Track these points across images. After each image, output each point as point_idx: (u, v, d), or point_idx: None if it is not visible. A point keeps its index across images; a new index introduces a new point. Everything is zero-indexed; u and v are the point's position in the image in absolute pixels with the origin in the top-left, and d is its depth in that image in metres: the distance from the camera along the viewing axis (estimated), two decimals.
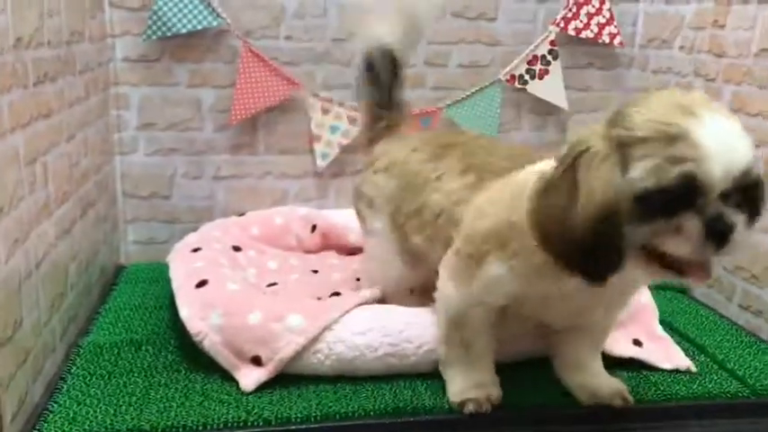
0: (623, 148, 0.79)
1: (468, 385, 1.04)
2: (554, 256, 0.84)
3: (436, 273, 1.08)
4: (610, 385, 1.08)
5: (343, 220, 1.67)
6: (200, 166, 1.72)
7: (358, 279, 1.44)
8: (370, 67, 1.30)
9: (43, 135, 1.15)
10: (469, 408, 1.02)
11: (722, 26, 1.48)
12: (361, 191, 1.32)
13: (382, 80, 1.31)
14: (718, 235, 0.77)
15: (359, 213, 1.35)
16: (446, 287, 1.05)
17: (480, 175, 1.07)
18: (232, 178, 1.74)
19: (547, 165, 0.89)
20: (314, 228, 1.64)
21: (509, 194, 0.96)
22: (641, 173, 0.77)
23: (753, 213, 0.82)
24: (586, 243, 0.80)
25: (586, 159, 0.81)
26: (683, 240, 0.78)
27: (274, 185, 1.76)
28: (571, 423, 1.06)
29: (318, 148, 1.72)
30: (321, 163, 1.73)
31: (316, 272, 1.52)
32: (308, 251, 1.64)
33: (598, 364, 1.10)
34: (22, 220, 1.04)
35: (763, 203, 0.83)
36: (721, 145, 0.76)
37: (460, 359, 1.05)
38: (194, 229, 1.55)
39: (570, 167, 0.82)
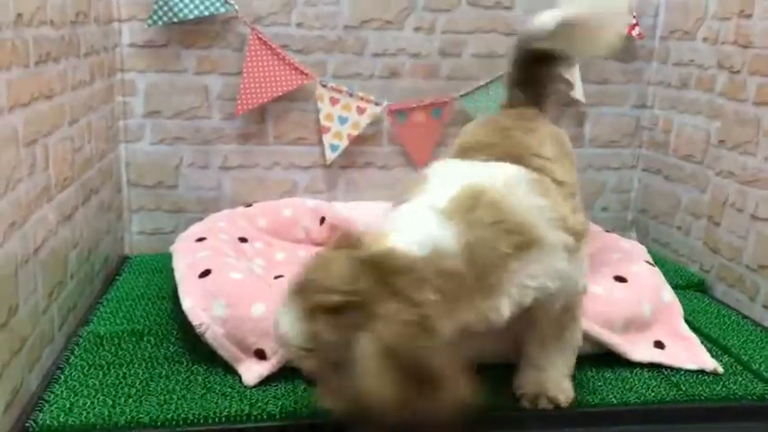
0: None
1: None
2: None
3: None
4: (540, 384, 1.02)
5: (352, 212, 1.62)
6: (207, 155, 1.68)
7: None
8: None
9: (44, 116, 1.11)
10: None
11: (749, 16, 1.43)
12: None
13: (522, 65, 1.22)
14: None
15: None
16: None
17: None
18: (239, 168, 1.70)
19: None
20: (322, 220, 1.60)
21: None
22: None
23: None
24: None
25: None
26: None
27: (283, 177, 1.72)
28: (591, 423, 1.01)
29: (327, 139, 1.68)
30: (330, 155, 1.69)
31: None
32: (317, 244, 1.59)
33: (553, 368, 1.02)
34: (20, 203, 1.00)
35: None
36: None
37: None
38: (200, 220, 1.51)
39: None
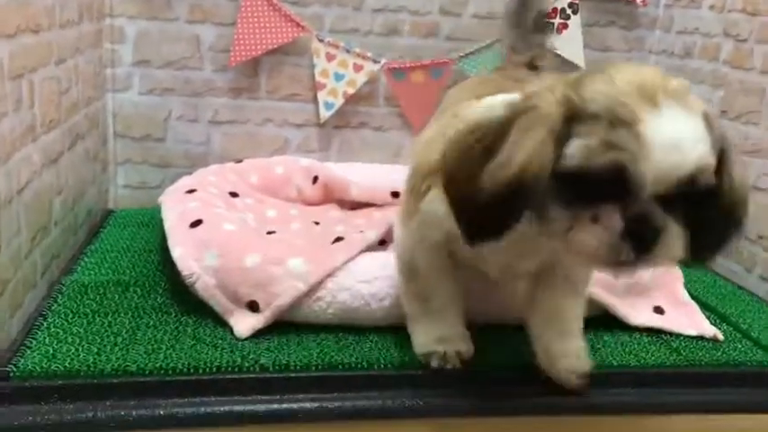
0: (570, 119, 0.70)
1: (431, 338, 0.95)
2: (450, 201, 0.77)
3: None
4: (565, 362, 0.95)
5: (346, 173, 1.58)
6: (197, 108, 1.62)
7: (361, 232, 1.36)
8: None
9: (30, 51, 1.05)
10: (434, 362, 0.94)
11: None
12: None
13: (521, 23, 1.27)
14: (636, 235, 0.69)
15: None
16: (396, 230, 0.98)
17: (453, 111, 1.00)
18: (230, 123, 1.65)
19: (505, 99, 0.80)
20: (315, 179, 1.56)
21: (445, 128, 0.87)
22: (575, 150, 0.69)
23: (700, 225, 0.73)
24: (485, 204, 0.71)
25: (529, 118, 0.71)
26: (597, 233, 0.70)
27: (275, 134, 1.67)
28: (591, 385, 0.99)
29: (322, 96, 1.63)
30: (325, 113, 1.64)
31: (317, 223, 1.44)
32: (309, 203, 1.55)
33: (566, 346, 0.96)
34: (4, 139, 0.95)
35: (716, 216, 0.74)
36: (667, 143, 0.67)
37: (422, 313, 0.96)
38: (188, 175, 1.46)
39: (509, 119, 0.72)
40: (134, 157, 1.63)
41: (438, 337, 0.95)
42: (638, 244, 0.69)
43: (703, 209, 0.72)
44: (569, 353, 0.96)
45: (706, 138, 0.70)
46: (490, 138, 0.73)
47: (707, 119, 0.71)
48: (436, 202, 0.86)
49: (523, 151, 0.70)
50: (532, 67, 1.27)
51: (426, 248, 0.93)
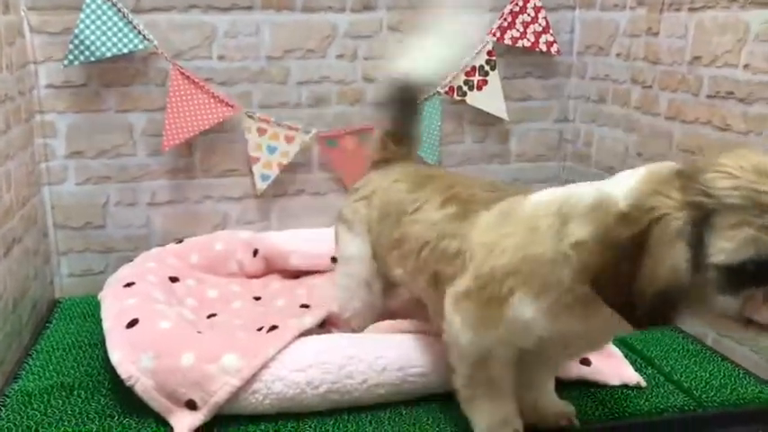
0: (706, 217, 0.76)
1: (496, 421, 1.00)
2: (611, 305, 0.82)
3: (417, 302, 1.14)
4: (557, 406, 1.08)
5: (286, 242, 1.62)
6: (135, 192, 1.65)
7: (303, 306, 1.40)
8: (391, 98, 1.30)
9: None
10: None
11: (656, 33, 1.48)
12: (343, 214, 1.30)
13: (400, 113, 1.30)
14: None
15: (336, 236, 1.33)
16: (462, 335, 0.97)
17: (464, 207, 1.04)
18: (169, 204, 1.68)
19: (547, 195, 0.93)
20: (256, 252, 1.60)
21: (523, 227, 0.92)
22: (736, 244, 0.75)
23: None
24: (649, 306, 0.78)
25: (662, 227, 0.77)
26: None
27: (214, 209, 1.71)
28: None
29: (257, 169, 1.68)
30: (261, 185, 1.69)
31: (258, 298, 1.48)
32: (251, 276, 1.59)
33: (551, 386, 1.09)
34: None
35: None
36: None
37: (486, 396, 1.00)
38: (131, 258, 1.49)
39: (642, 231, 0.78)
40: (76, 246, 1.65)
41: (501, 419, 1.00)
42: None
43: None
44: (553, 393, 1.10)
45: None
46: (632, 249, 0.78)
47: None
48: (523, 307, 0.90)
49: (665, 267, 0.76)
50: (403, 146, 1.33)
51: (510, 350, 0.96)
